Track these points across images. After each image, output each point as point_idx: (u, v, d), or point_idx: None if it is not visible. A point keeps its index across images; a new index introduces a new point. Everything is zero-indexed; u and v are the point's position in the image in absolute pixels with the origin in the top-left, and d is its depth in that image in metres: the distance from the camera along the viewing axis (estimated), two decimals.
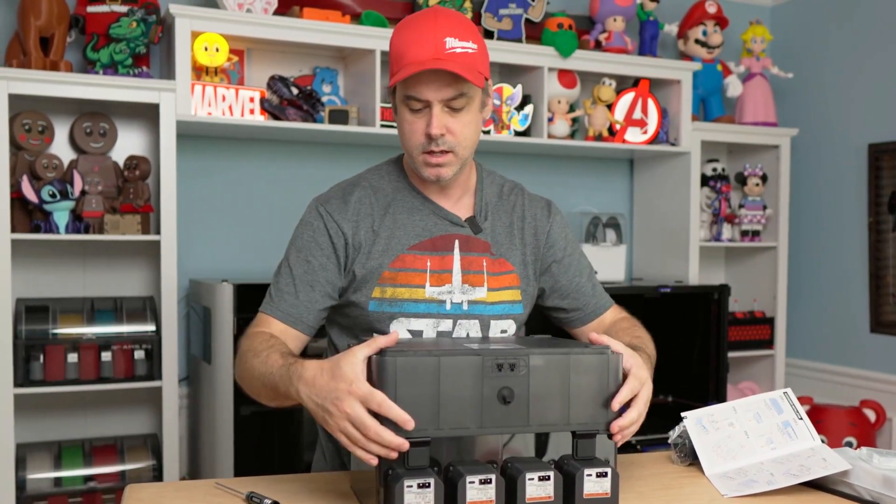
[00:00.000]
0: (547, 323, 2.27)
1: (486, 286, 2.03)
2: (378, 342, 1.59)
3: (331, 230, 2.00)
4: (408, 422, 1.52)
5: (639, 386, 1.70)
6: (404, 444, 1.52)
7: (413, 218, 2.03)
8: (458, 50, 1.84)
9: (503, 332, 2.06)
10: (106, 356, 3.48)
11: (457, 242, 2.03)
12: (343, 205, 2.02)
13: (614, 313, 2.21)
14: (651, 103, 4.35)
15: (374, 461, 1.54)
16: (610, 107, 4.33)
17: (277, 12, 3.74)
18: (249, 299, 3.18)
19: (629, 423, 1.67)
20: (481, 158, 2.15)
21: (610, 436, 1.67)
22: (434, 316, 2.00)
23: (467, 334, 2.01)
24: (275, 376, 1.75)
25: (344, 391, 1.54)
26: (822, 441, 2.01)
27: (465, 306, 2.01)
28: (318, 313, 2.01)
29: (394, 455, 1.53)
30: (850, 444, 4.24)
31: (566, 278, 2.15)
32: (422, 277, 1.99)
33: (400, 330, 1.97)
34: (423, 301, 1.98)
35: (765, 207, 4.78)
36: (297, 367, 1.69)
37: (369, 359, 1.59)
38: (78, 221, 3.49)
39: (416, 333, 1.98)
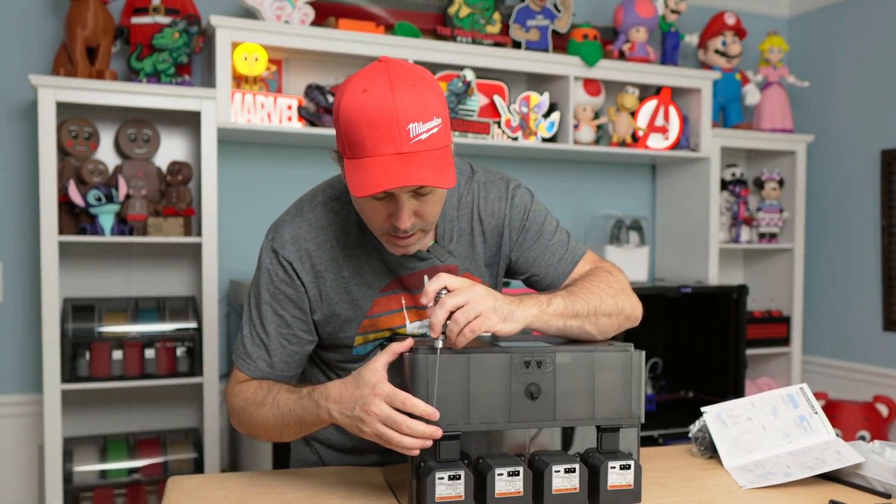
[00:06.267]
0: None
1: None
2: (394, 348, 1.62)
3: (295, 284, 1.87)
4: (433, 413, 1.56)
5: (445, 284, 1.62)
6: (437, 431, 1.56)
7: (378, 258, 1.88)
8: (424, 136, 1.59)
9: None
10: (149, 353, 3.52)
11: (426, 278, 1.88)
12: (301, 254, 1.87)
13: (583, 267, 1.99)
14: (672, 111, 4.40)
15: (415, 453, 1.57)
16: (633, 114, 4.38)
17: (314, 23, 3.79)
18: None
19: (435, 320, 1.58)
20: (509, 165, 1.97)
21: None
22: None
23: None
24: (296, 411, 1.75)
25: (369, 395, 1.58)
26: (837, 435, 2.05)
27: None
28: (301, 360, 1.94)
29: (429, 444, 1.56)
30: (863, 438, 4.28)
31: (523, 258, 1.98)
32: (401, 318, 1.90)
33: None
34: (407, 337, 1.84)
35: (781, 211, 4.83)
36: (319, 391, 1.70)
37: (401, 357, 1.62)
38: (122, 224, 3.54)
39: None
